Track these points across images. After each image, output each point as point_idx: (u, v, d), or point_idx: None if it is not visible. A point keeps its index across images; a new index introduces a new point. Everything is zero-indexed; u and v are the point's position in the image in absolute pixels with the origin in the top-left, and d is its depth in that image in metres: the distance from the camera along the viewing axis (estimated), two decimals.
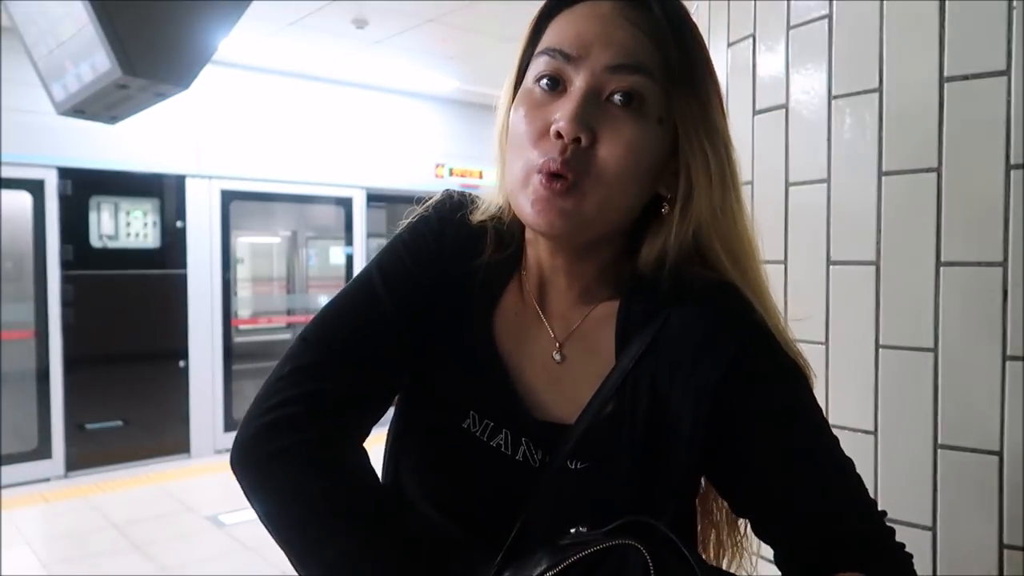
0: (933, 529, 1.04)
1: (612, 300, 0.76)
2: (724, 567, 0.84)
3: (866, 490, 0.69)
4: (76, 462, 5.30)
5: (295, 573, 0.71)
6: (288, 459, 0.67)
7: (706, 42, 0.73)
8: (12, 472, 4.97)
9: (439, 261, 0.76)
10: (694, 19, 0.73)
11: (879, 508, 0.70)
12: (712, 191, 0.70)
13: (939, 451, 1.03)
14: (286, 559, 0.69)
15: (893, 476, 1.08)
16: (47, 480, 5.15)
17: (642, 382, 0.70)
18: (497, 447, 0.73)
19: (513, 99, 0.73)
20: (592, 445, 0.70)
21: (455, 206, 0.79)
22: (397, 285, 0.75)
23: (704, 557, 0.82)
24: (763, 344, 0.70)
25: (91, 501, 4.59)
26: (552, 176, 0.66)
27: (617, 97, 0.67)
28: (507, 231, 0.77)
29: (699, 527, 0.84)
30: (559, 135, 0.66)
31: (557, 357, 0.76)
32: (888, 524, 0.69)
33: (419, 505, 0.75)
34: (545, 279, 0.77)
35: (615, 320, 0.74)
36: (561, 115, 0.66)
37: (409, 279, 0.75)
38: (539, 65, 0.70)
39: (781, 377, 0.71)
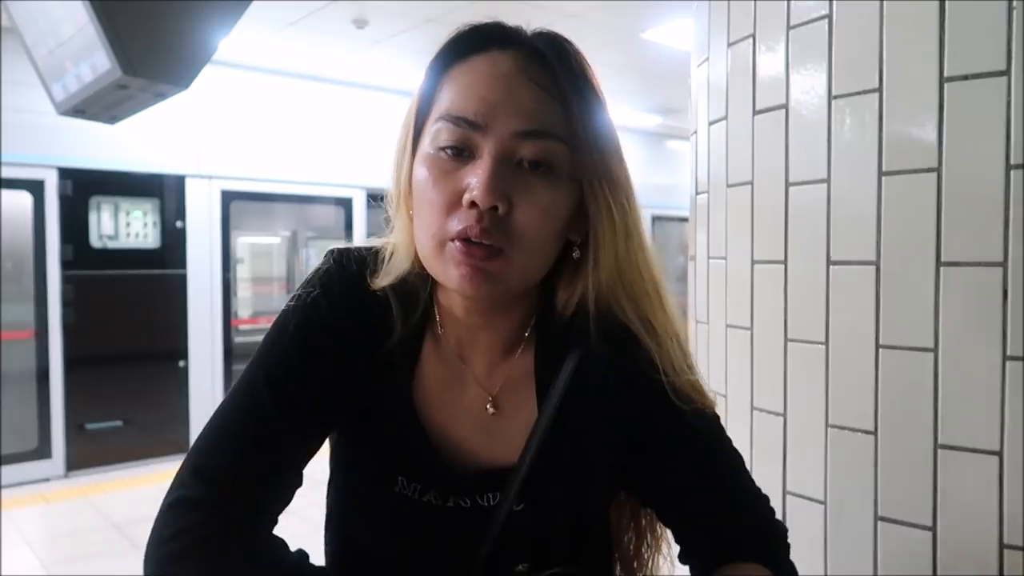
0: (933, 529, 1.04)
1: (533, 342, 0.79)
2: (645, 560, 0.93)
3: (756, 488, 0.81)
4: (76, 462, 5.29)
5: None
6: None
7: (604, 91, 0.74)
8: (12, 472, 4.97)
9: (341, 356, 0.75)
10: (598, 85, 0.73)
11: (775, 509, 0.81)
12: (616, 241, 0.73)
13: (939, 451, 1.03)
14: None
15: (893, 476, 1.08)
16: (47, 480, 5.14)
17: (566, 428, 0.76)
18: (428, 502, 0.76)
19: (412, 153, 0.73)
20: (527, 488, 0.75)
21: (348, 283, 0.77)
22: (288, 399, 0.72)
23: (630, 553, 0.93)
24: (658, 395, 0.77)
25: (91, 501, 4.59)
26: (472, 243, 0.67)
27: (528, 163, 0.69)
28: (411, 294, 0.77)
29: (625, 530, 0.92)
30: (474, 204, 0.66)
31: (491, 409, 0.78)
32: (777, 521, 0.81)
33: (372, 557, 0.78)
34: (464, 338, 0.79)
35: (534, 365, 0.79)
36: (476, 184, 0.66)
37: (301, 386, 0.73)
38: (442, 133, 0.69)
39: (679, 418, 0.77)
